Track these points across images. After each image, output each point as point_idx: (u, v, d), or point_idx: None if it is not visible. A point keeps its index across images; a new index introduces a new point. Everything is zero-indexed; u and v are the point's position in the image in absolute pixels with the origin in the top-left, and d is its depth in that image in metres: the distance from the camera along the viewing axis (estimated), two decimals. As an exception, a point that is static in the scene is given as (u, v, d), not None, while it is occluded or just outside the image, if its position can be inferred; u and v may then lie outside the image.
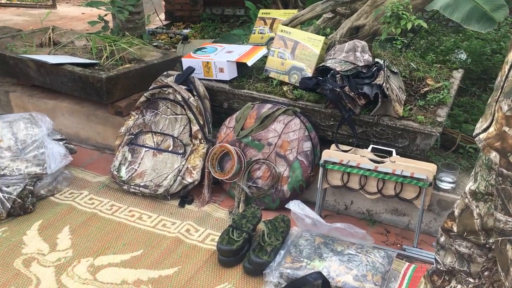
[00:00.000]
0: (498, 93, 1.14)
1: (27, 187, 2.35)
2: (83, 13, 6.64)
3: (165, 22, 5.85)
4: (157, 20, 5.38)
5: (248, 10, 4.02)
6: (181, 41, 4.66)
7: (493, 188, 1.20)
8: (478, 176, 1.26)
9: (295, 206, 2.10)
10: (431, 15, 4.18)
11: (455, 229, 1.34)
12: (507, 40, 4.32)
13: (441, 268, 1.42)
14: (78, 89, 2.77)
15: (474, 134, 1.22)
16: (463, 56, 4.18)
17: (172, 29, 5.89)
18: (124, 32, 3.36)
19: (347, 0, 2.60)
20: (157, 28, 5.30)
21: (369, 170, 2.17)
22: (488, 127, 1.16)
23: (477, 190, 1.26)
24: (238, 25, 5.92)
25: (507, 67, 1.12)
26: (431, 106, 2.37)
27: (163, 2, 5.87)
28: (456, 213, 1.34)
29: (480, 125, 1.20)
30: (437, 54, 4.00)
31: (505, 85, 1.11)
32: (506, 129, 1.09)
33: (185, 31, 5.73)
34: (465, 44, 4.22)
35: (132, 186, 2.51)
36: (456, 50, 4.28)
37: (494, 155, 1.12)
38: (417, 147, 2.26)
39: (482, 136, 1.17)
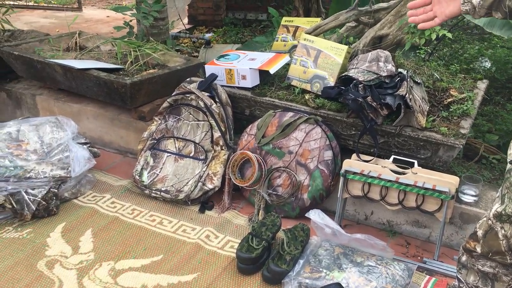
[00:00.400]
0: None
1: (51, 189, 2.40)
2: (108, 16, 6.75)
3: (188, 26, 5.92)
4: (180, 24, 5.43)
5: (270, 15, 4.03)
6: (203, 45, 4.71)
7: None
8: (506, 198, 1.25)
9: (315, 216, 2.10)
10: (455, 23, 4.13)
11: (478, 250, 1.33)
12: (533, 49, 4.24)
13: (464, 287, 1.41)
14: (103, 93, 2.82)
15: (509, 160, 1.21)
16: (488, 64, 4.13)
17: (194, 33, 5.95)
18: (149, 37, 3.41)
19: (370, 10, 2.60)
20: (180, 32, 5.36)
21: (390, 181, 2.16)
22: None
23: (503, 212, 1.25)
24: (260, 29, 5.95)
25: None
26: (455, 118, 2.34)
27: (187, 7, 5.92)
28: (479, 234, 1.33)
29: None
30: (461, 63, 3.96)
31: None
32: None
33: (208, 35, 5.78)
34: (490, 52, 4.17)
35: (153, 191, 2.55)
36: (480, 58, 4.22)
37: None
38: (440, 158, 2.24)
39: None
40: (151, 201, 2.55)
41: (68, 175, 2.45)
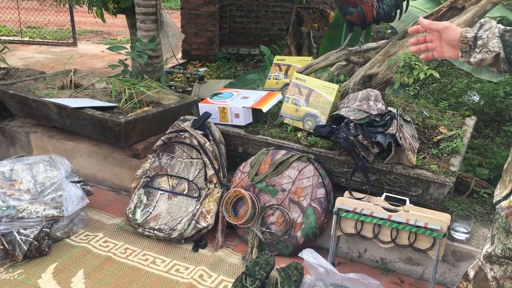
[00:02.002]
0: None
1: (43, 229, 2.39)
2: (103, 51, 6.84)
3: (181, 61, 6.01)
4: (174, 59, 5.52)
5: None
6: (197, 81, 4.78)
7: (511, 251, 1.20)
8: (495, 239, 1.27)
9: (309, 255, 2.10)
10: (443, 58, 4.23)
11: None
12: (520, 83, 4.34)
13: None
14: (97, 132, 2.84)
15: (494, 201, 1.24)
16: (476, 98, 4.21)
17: (188, 67, 6.04)
18: (143, 75, 3.46)
19: (360, 50, 2.67)
20: (174, 67, 5.45)
21: (382, 219, 2.17)
22: (508, 195, 1.18)
23: (493, 253, 1.27)
24: (253, 64, 6.06)
25: None
26: (444, 155, 2.38)
27: (181, 42, 6.02)
28: (471, 275, 1.34)
29: (499, 192, 1.22)
30: (449, 97, 4.04)
31: None
32: None
33: (201, 69, 5.87)
34: (478, 86, 4.26)
35: (146, 229, 2.54)
36: (468, 92, 4.31)
37: None
38: (431, 196, 2.27)
39: (503, 203, 1.19)
40: (144, 239, 2.54)
41: (61, 215, 2.44)
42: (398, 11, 2.60)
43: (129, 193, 2.79)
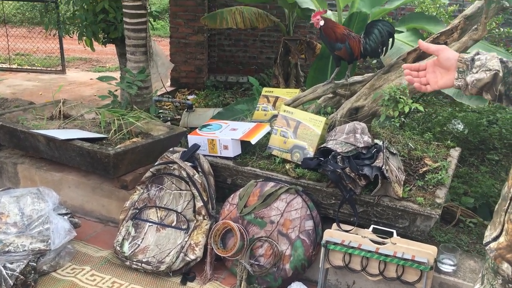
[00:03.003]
0: (507, 204, 1.18)
1: (30, 263, 2.37)
2: (91, 79, 6.86)
3: (170, 89, 6.05)
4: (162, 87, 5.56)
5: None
6: (186, 109, 4.82)
7: None
8: (485, 279, 1.29)
9: (297, 289, 2.10)
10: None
11: None
12: (502, 112, 4.44)
13: None
14: (85, 163, 2.84)
15: (484, 242, 1.25)
16: (460, 126, 4.29)
17: (177, 95, 6.09)
18: (132, 105, 3.48)
19: (346, 83, 2.73)
20: (162, 95, 5.48)
21: (370, 251, 2.19)
22: (498, 236, 1.20)
23: None
24: (241, 92, 6.12)
25: None
26: (430, 187, 2.43)
27: (170, 71, 6.08)
28: None
29: (489, 233, 1.24)
30: (434, 125, 4.12)
31: None
32: None
33: (190, 97, 5.92)
34: (462, 114, 4.34)
35: (134, 262, 2.52)
36: (453, 121, 4.40)
37: (506, 267, 1.16)
38: (418, 228, 2.30)
39: (492, 245, 1.21)
40: (132, 273, 2.52)
41: (48, 248, 2.42)
42: (384, 48, 2.67)
43: (117, 225, 2.78)
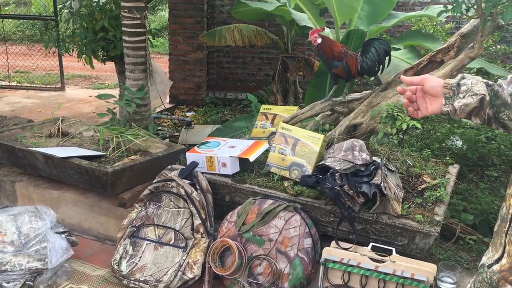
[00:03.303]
0: (507, 226, 1.18)
1: (27, 282, 2.35)
2: (90, 96, 6.88)
3: (169, 105, 6.07)
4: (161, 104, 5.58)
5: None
6: (184, 126, 4.83)
7: None
8: None
9: (296, 308, 2.08)
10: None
11: None
12: (501, 128, 4.45)
13: None
14: (83, 181, 2.84)
15: (487, 264, 1.24)
16: (459, 143, 4.30)
17: (175, 111, 6.10)
18: (131, 123, 3.49)
19: (344, 100, 2.74)
20: (161, 112, 5.50)
21: (369, 270, 2.18)
22: (500, 258, 1.19)
23: None
24: (240, 109, 6.14)
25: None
26: (429, 204, 2.42)
27: (169, 88, 6.11)
28: None
29: (491, 255, 1.23)
30: (433, 141, 4.12)
31: None
32: None
33: (189, 113, 5.94)
34: (460, 131, 4.35)
35: (132, 281, 2.50)
36: (451, 137, 4.40)
37: None
38: (417, 246, 2.28)
39: (495, 268, 1.20)
40: (130, 292, 2.49)
41: (45, 267, 2.40)
42: (381, 66, 2.69)
43: (115, 243, 2.76)
